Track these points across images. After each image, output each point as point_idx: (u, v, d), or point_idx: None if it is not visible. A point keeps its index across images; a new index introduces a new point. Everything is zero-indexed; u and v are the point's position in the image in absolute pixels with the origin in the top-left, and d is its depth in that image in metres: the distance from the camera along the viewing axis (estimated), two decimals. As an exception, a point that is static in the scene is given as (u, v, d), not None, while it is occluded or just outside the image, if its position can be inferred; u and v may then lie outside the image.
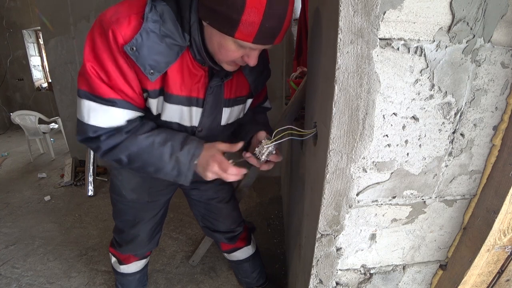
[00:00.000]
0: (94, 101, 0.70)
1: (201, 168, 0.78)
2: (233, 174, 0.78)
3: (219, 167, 0.76)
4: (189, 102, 0.80)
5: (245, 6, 0.58)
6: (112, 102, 0.70)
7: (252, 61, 0.72)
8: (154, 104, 0.77)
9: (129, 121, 0.76)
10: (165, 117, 0.80)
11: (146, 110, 0.79)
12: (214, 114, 0.86)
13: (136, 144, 0.75)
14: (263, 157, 0.79)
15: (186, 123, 0.84)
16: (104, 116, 0.71)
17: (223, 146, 0.80)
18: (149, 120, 0.80)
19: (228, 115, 0.90)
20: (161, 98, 0.77)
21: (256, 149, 0.81)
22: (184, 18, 0.69)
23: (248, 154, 0.82)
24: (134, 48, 0.65)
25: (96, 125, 0.71)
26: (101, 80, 0.68)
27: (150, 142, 0.76)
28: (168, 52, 0.70)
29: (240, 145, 0.81)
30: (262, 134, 0.87)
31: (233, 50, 0.68)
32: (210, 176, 0.78)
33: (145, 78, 0.71)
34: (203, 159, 0.78)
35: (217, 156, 0.78)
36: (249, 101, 0.96)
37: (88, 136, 0.73)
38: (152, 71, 0.69)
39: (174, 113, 0.80)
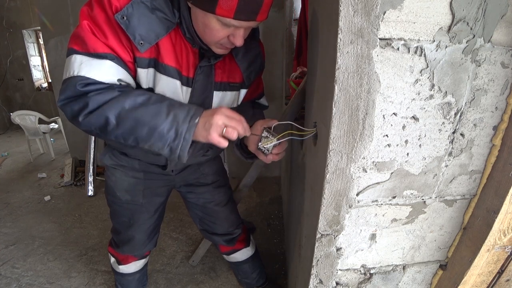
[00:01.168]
0: (87, 55, 0.67)
1: (203, 129, 0.67)
2: (245, 127, 0.70)
3: (227, 116, 0.68)
4: (180, 77, 0.79)
5: None
6: (107, 56, 0.68)
7: (238, 40, 0.71)
8: (143, 75, 0.75)
9: (121, 82, 0.72)
10: (158, 90, 0.78)
11: (137, 85, 0.77)
12: (204, 96, 0.85)
13: (130, 99, 0.67)
14: (269, 151, 0.78)
15: (179, 99, 0.80)
16: (97, 69, 0.67)
17: (228, 112, 0.70)
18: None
19: (219, 99, 0.89)
20: (151, 70, 0.75)
21: (259, 144, 0.77)
22: None
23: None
24: (125, 17, 0.67)
25: (88, 76, 0.66)
26: (96, 37, 0.68)
27: (146, 98, 0.69)
28: (158, 24, 0.71)
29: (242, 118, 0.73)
30: (257, 126, 0.81)
31: (218, 29, 0.68)
32: (215, 135, 0.66)
33: (135, 47, 0.71)
34: (206, 116, 0.68)
35: (223, 109, 0.69)
36: (243, 91, 0.95)
37: (75, 92, 0.66)
38: (141, 41, 0.70)
39: (168, 86, 0.77)
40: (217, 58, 0.81)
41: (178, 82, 0.78)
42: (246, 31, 0.73)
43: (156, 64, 0.75)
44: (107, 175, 1.05)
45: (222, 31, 0.69)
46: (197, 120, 0.68)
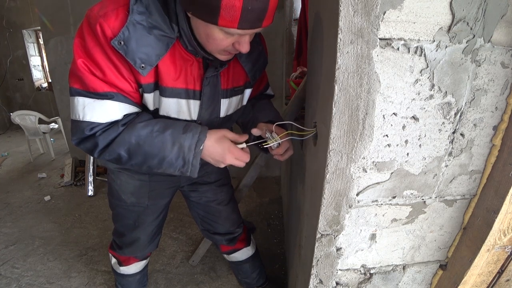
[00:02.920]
0: (89, 97, 0.67)
1: (211, 158, 0.77)
2: (245, 161, 0.78)
3: (234, 156, 0.76)
4: (186, 94, 0.77)
5: None
6: (107, 95, 0.68)
7: (244, 47, 0.68)
8: (150, 99, 0.75)
9: (126, 116, 0.73)
10: (162, 111, 0.78)
11: (143, 106, 0.78)
12: (213, 106, 0.84)
13: (134, 135, 0.70)
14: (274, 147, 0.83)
15: (185, 116, 0.81)
16: (100, 111, 0.68)
17: (230, 136, 0.78)
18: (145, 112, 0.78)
19: (226, 106, 0.88)
20: (157, 92, 0.75)
21: (261, 144, 0.83)
22: (170, 9, 0.68)
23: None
24: (122, 42, 0.64)
25: (93, 121, 0.68)
26: (94, 75, 0.66)
27: (149, 130, 0.71)
28: (157, 43, 0.68)
29: (246, 136, 0.81)
30: (260, 127, 0.86)
31: (221, 39, 0.65)
32: (224, 164, 0.78)
33: (138, 72, 0.69)
34: (213, 149, 0.75)
35: (230, 147, 0.76)
36: (248, 91, 0.94)
37: (84, 135, 0.69)
38: (143, 65, 0.67)
39: (171, 107, 0.77)
40: (222, 66, 0.79)
41: (183, 101, 0.78)
42: (251, 36, 0.70)
43: (158, 87, 0.74)
44: (111, 178, 1.04)
45: (226, 40, 0.66)
46: (201, 147, 0.73)
